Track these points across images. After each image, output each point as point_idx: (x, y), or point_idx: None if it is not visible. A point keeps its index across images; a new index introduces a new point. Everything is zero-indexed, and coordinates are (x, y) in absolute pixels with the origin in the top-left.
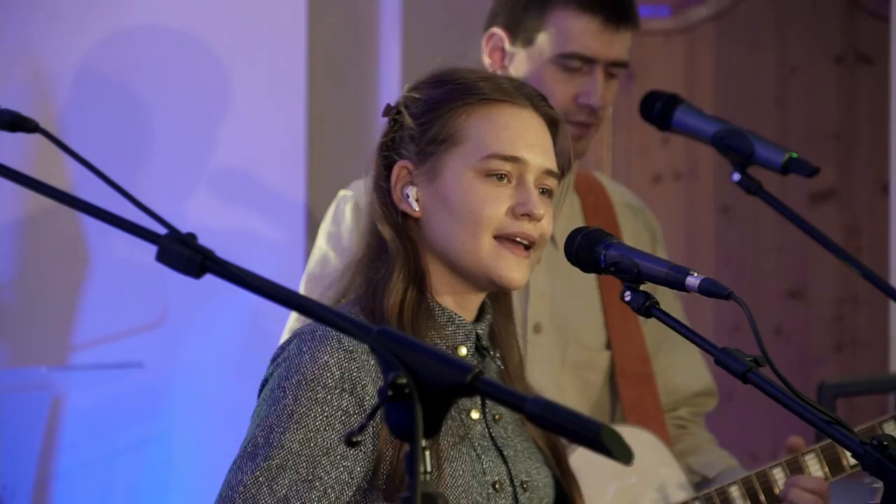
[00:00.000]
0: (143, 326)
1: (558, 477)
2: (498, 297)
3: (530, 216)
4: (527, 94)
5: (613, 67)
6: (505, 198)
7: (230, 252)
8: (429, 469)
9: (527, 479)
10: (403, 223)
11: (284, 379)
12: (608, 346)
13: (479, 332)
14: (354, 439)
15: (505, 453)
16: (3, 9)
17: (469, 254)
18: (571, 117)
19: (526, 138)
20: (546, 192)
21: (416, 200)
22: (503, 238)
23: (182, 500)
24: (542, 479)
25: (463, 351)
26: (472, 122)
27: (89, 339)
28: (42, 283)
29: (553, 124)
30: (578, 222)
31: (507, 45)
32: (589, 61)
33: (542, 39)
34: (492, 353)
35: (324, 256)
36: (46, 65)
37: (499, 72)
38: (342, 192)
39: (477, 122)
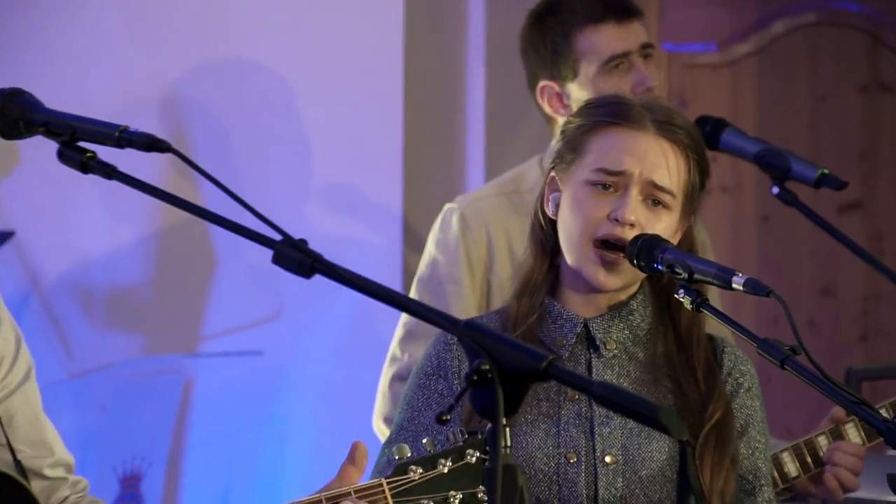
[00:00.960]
0: (262, 319)
1: (690, 444)
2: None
3: (619, 221)
4: (652, 119)
5: (644, 50)
6: (606, 204)
7: (336, 255)
8: (508, 444)
9: (617, 453)
10: (549, 226)
11: (421, 367)
12: None
13: (590, 323)
14: (443, 418)
15: (598, 430)
16: (140, 48)
17: (572, 253)
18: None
19: (635, 154)
20: (659, 204)
21: (557, 205)
22: (598, 241)
23: (296, 471)
24: (645, 453)
25: (563, 341)
26: (596, 138)
27: (216, 330)
28: (175, 283)
29: (680, 143)
30: None
31: (559, 88)
32: (624, 56)
33: (582, 65)
34: (606, 344)
35: (433, 261)
36: (178, 94)
37: (562, 112)
38: (448, 205)
39: (601, 138)
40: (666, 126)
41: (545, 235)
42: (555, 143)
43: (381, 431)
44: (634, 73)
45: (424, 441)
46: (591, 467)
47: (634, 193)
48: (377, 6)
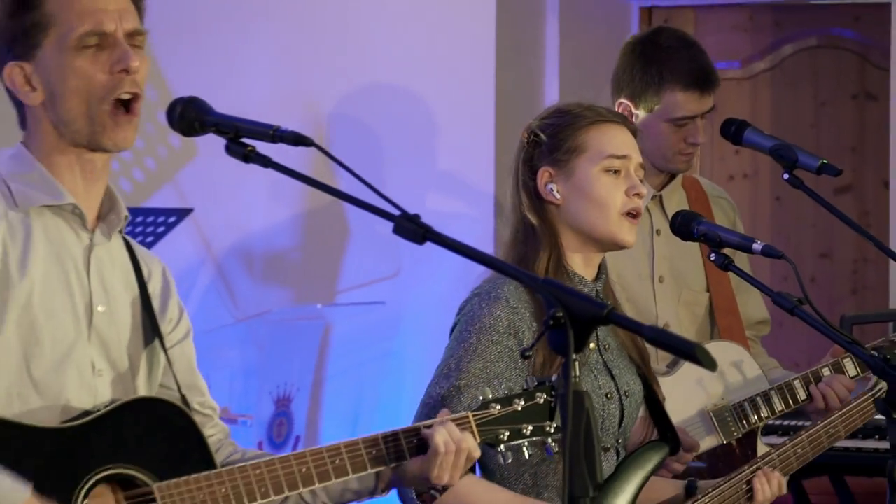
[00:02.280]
0: (385, 276)
1: (646, 376)
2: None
3: (639, 195)
4: (617, 115)
5: (706, 114)
6: (621, 185)
7: (441, 227)
8: (577, 374)
9: (627, 388)
10: (542, 211)
11: (469, 325)
12: (707, 290)
13: (598, 289)
14: (527, 354)
15: (613, 372)
16: (287, 63)
17: (602, 226)
18: (683, 151)
19: (627, 143)
20: (642, 182)
21: (558, 193)
22: (627, 213)
23: (410, 397)
24: (636, 387)
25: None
26: (591, 135)
27: (348, 285)
28: (317, 248)
29: (634, 133)
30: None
31: (633, 110)
32: (692, 118)
33: (660, 108)
34: (608, 300)
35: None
36: (317, 101)
37: None
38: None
39: (595, 135)
40: (624, 119)
41: (542, 212)
42: None
43: None
44: (692, 129)
45: (503, 387)
46: (619, 402)
47: (633, 174)
48: (473, 33)
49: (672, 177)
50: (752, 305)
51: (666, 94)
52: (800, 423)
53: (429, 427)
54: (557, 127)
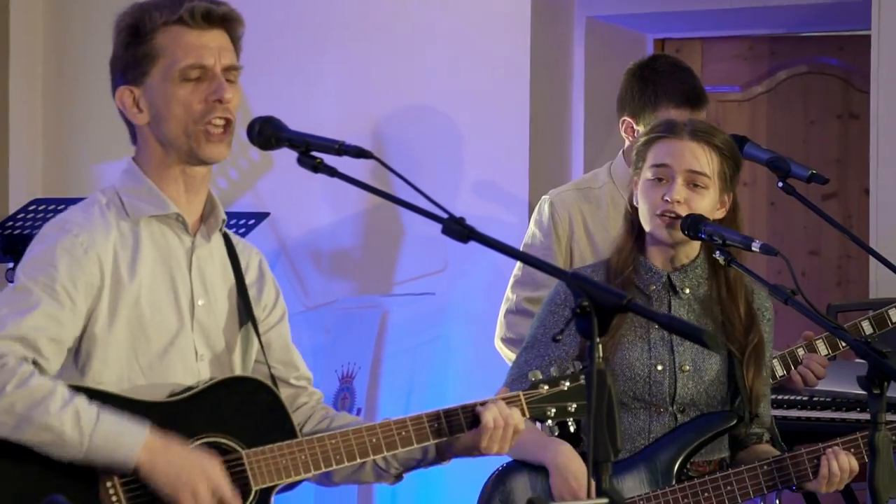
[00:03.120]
0: (434, 271)
1: (737, 357)
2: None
3: (669, 201)
4: (688, 130)
5: None
6: (660, 191)
7: (482, 228)
8: (601, 355)
9: (689, 366)
10: (635, 211)
11: (546, 303)
12: None
13: (672, 275)
14: (557, 338)
15: (676, 349)
16: (351, 87)
17: (646, 224)
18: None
19: (674, 153)
20: (698, 186)
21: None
22: (657, 215)
23: (456, 375)
24: (705, 366)
25: (652, 287)
26: (650, 150)
27: (403, 278)
28: (377, 247)
29: (711, 145)
30: None
31: (634, 126)
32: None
33: (655, 120)
34: (684, 289)
35: (532, 234)
36: (378, 126)
37: (630, 139)
38: (544, 196)
39: (652, 149)
40: (698, 133)
41: (632, 216)
42: (621, 155)
43: (500, 347)
44: None
45: (552, 369)
46: (672, 374)
47: (679, 181)
48: (511, 60)
49: None
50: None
51: (661, 111)
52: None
53: (483, 404)
54: (639, 142)
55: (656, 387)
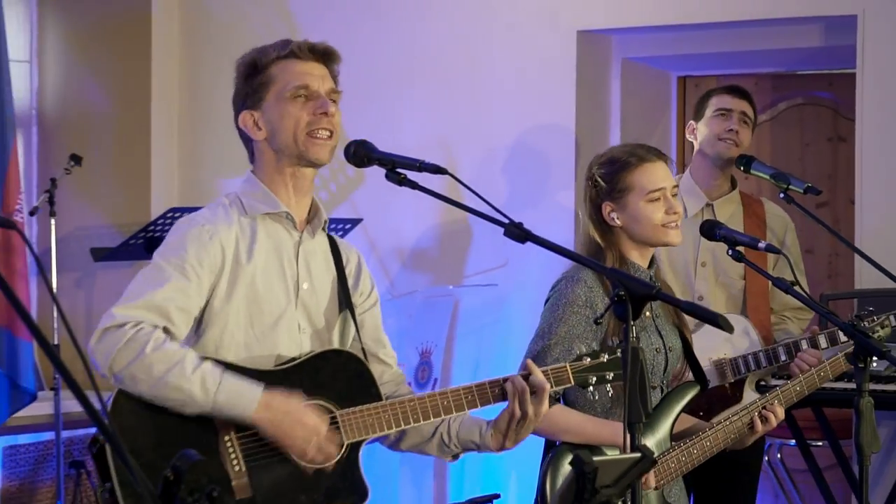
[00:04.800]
0: (497, 266)
1: (685, 336)
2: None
3: (677, 214)
4: (656, 154)
5: (743, 115)
6: (661, 207)
7: (536, 231)
8: (634, 335)
9: (671, 345)
10: (608, 229)
11: (558, 300)
12: (744, 278)
13: (651, 273)
14: (598, 321)
15: (661, 333)
16: (429, 117)
17: (651, 237)
18: (722, 136)
19: (662, 177)
20: (675, 196)
21: (618, 219)
22: (663, 226)
23: (514, 351)
24: (677, 344)
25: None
26: (635, 177)
27: (471, 272)
28: (450, 246)
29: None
30: (739, 220)
31: (693, 126)
32: (730, 111)
33: (708, 109)
34: (657, 282)
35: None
36: (452, 147)
37: (690, 138)
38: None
39: (638, 176)
40: (662, 155)
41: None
42: (689, 171)
43: None
44: (732, 121)
45: (592, 343)
46: (664, 355)
47: (671, 196)
48: (559, 94)
49: (728, 189)
50: (792, 298)
51: (712, 99)
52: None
53: (526, 377)
54: (610, 173)
55: (657, 367)
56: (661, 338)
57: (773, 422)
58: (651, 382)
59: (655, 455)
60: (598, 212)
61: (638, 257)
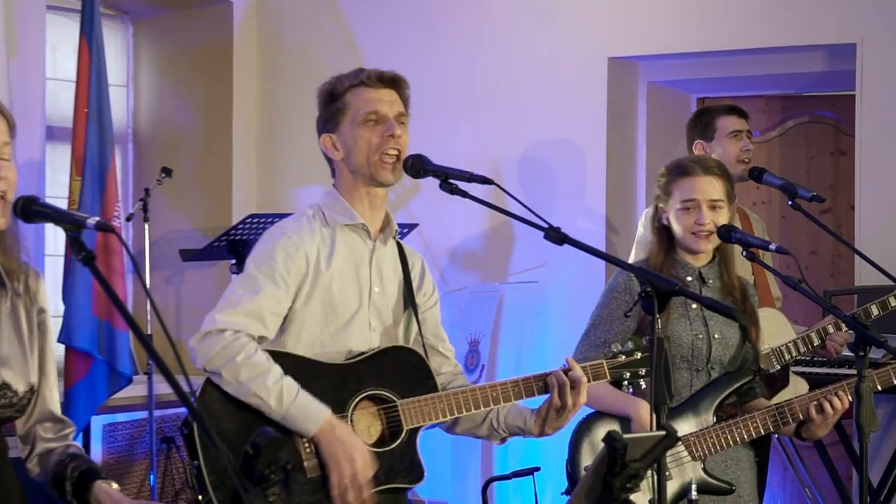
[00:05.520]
0: (537, 265)
1: (746, 327)
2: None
3: (703, 226)
4: (700, 167)
5: (749, 133)
6: (693, 217)
7: (572, 235)
8: (659, 327)
9: (719, 335)
10: (662, 229)
11: (606, 288)
12: (752, 274)
13: (701, 269)
14: (628, 314)
15: (708, 323)
16: (476, 134)
17: (683, 240)
18: (740, 158)
19: (697, 189)
20: (716, 207)
21: (666, 221)
22: (692, 234)
23: (553, 342)
24: (730, 334)
25: (689, 279)
26: (678, 184)
27: (514, 270)
28: (495, 248)
29: (718, 175)
30: (737, 224)
31: (705, 145)
32: (740, 131)
33: (719, 131)
34: (709, 280)
35: (640, 233)
36: (498, 161)
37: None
38: (647, 209)
39: (680, 184)
40: (706, 168)
41: (660, 230)
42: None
43: None
44: (746, 140)
45: (629, 340)
46: (708, 342)
47: (705, 208)
48: (592, 113)
49: None
50: (772, 288)
51: (719, 123)
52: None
53: (567, 371)
54: (665, 180)
55: (697, 351)
56: (707, 327)
57: (829, 410)
58: (695, 366)
59: (691, 432)
60: (655, 211)
61: (688, 256)
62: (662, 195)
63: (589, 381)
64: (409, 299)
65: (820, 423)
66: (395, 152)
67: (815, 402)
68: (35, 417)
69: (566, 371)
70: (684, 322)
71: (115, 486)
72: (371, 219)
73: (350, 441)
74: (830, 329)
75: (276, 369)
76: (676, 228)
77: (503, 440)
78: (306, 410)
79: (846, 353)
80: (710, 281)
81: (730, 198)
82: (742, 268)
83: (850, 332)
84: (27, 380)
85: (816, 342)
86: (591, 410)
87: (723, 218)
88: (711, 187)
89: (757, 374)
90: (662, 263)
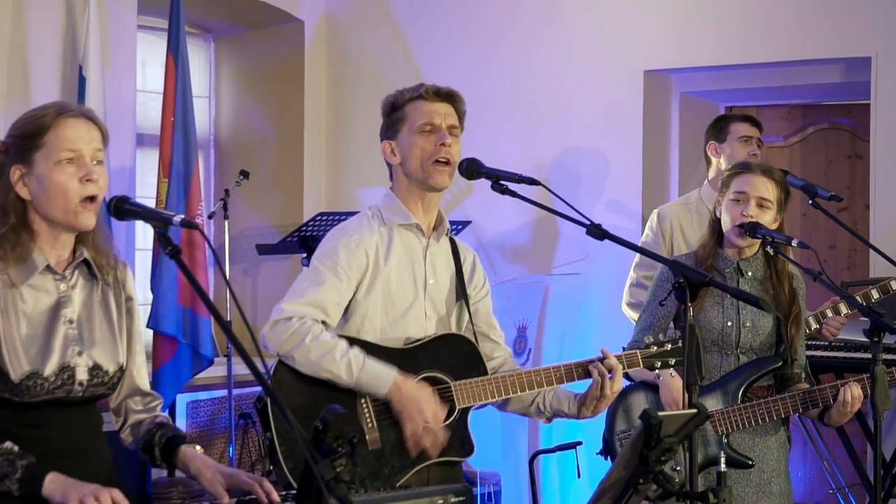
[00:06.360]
0: (579, 259)
1: (782, 319)
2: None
3: (745, 216)
4: (758, 168)
5: (759, 141)
6: (739, 209)
7: (611, 231)
8: (691, 314)
9: (750, 324)
10: (716, 221)
11: (655, 280)
12: None
13: (740, 262)
14: (662, 302)
15: (741, 312)
16: (523, 138)
17: (727, 230)
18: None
19: (750, 184)
20: (763, 206)
21: (719, 214)
22: (738, 226)
23: (595, 329)
24: (763, 323)
25: (727, 270)
26: (733, 180)
27: (558, 263)
28: (541, 242)
29: (773, 179)
30: None
31: (717, 146)
32: (750, 137)
33: (731, 135)
34: (748, 272)
35: (646, 235)
36: (543, 163)
37: (713, 157)
38: (655, 210)
39: (735, 180)
40: (765, 171)
41: (715, 224)
42: (707, 183)
43: (625, 309)
44: (754, 145)
45: (660, 335)
46: (738, 328)
47: (752, 203)
48: (629, 118)
49: None
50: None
51: (731, 129)
52: (819, 343)
53: (604, 359)
54: (726, 174)
55: (726, 336)
56: (739, 315)
57: (848, 398)
58: (725, 349)
59: (720, 409)
60: (716, 204)
61: (729, 250)
62: (722, 187)
63: (624, 368)
64: (461, 291)
65: (841, 411)
66: (446, 160)
67: (835, 392)
68: (125, 393)
69: (602, 360)
70: (717, 309)
71: (199, 449)
72: (424, 218)
73: (418, 394)
74: (829, 314)
75: (342, 344)
76: (724, 220)
77: (549, 420)
78: (375, 375)
79: (846, 336)
80: (749, 273)
81: (779, 205)
82: None
83: (845, 317)
84: (116, 360)
85: (814, 326)
86: (626, 382)
87: (768, 218)
88: (764, 187)
89: (786, 361)
90: (708, 255)
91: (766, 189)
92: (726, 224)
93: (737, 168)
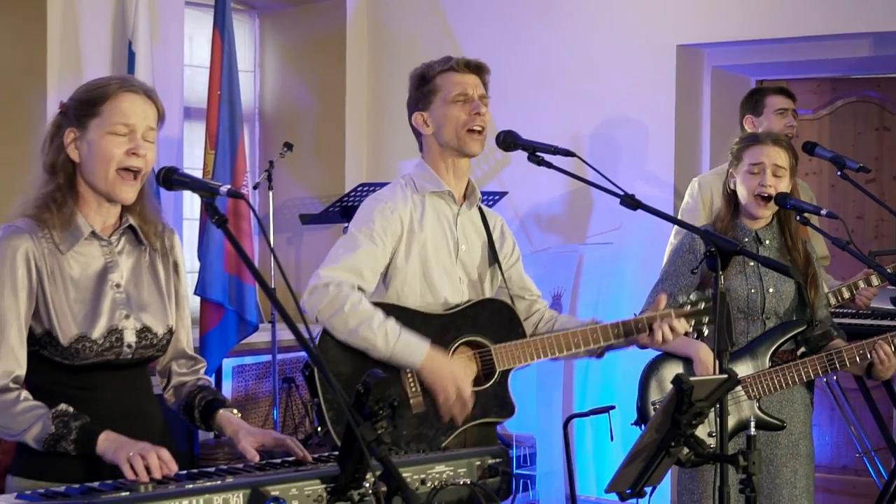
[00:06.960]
0: (612, 228)
1: (803, 285)
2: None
3: (764, 187)
4: (769, 139)
5: (795, 112)
6: (756, 180)
7: (645, 201)
8: (722, 282)
9: (773, 290)
10: (730, 193)
11: (675, 251)
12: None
13: (758, 231)
14: (694, 270)
15: (763, 279)
16: (560, 111)
17: (747, 203)
18: (786, 132)
19: (763, 154)
20: (778, 176)
21: (734, 185)
22: (755, 196)
23: (627, 296)
24: (785, 288)
25: (745, 240)
26: (746, 151)
27: (592, 233)
28: (576, 212)
29: (784, 147)
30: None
31: (753, 119)
32: (787, 109)
33: (767, 108)
34: (766, 240)
35: (687, 202)
36: (579, 135)
37: (749, 128)
38: (694, 179)
39: (749, 151)
40: (775, 139)
41: (729, 196)
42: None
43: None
44: (791, 117)
45: (692, 296)
46: (762, 294)
47: (769, 172)
48: (663, 96)
49: None
50: (820, 248)
51: (769, 98)
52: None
53: (651, 321)
54: (737, 147)
55: (752, 303)
56: (762, 282)
57: (883, 356)
58: (751, 315)
59: (750, 373)
60: (728, 177)
61: (747, 220)
62: (734, 160)
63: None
64: (492, 257)
65: (882, 367)
66: (480, 128)
67: (861, 351)
68: (170, 355)
69: (640, 320)
70: (741, 278)
71: (236, 413)
72: (455, 186)
73: (448, 367)
74: (861, 284)
75: (379, 313)
76: (741, 192)
77: (600, 355)
78: (409, 347)
79: (874, 304)
80: (767, 241)
81: (792, 170)
82: None
83: (877, 287)
84: (165, 323)
85: (847, 295)
86: (659, 352)
87: (783, 185)
88: (777, 155)
89: (810, 324)
90: (726, 227)
91: (780, 157)
92: (744, 196)
93: (746, 140)
